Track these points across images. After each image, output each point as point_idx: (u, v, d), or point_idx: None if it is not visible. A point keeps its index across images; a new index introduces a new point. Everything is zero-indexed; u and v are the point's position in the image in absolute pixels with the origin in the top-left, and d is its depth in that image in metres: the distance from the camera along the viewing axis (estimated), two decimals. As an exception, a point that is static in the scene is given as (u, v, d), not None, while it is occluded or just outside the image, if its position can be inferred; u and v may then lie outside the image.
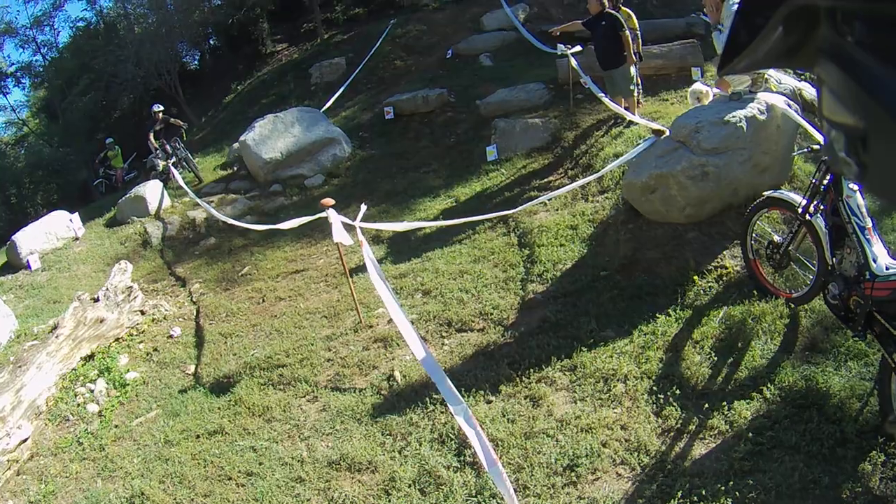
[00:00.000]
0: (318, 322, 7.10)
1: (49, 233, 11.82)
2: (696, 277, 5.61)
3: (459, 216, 8.24)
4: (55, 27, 30.00)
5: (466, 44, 17.38)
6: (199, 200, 11.49)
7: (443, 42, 18.51)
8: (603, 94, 9.37)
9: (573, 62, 10.42)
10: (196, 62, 33.46)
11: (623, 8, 9.77)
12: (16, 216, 24.41)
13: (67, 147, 27.46)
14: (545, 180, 8.98)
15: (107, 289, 8.25)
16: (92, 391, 6.66)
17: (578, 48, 10.83)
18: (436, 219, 8.64)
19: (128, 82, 24.44)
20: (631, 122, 9.14)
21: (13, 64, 29.95)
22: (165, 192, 12.98)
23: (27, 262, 11.02)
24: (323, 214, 6.55)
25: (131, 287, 8.51)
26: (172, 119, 15.04)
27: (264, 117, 13.86)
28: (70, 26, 30.51)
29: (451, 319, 6.18)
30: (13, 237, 11.58)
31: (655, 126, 7.62)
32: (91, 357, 7.23)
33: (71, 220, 12.20)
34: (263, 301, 8.23)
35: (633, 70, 9.33)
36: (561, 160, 9.50)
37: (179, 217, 12.15)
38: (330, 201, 6.45)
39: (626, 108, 9.23)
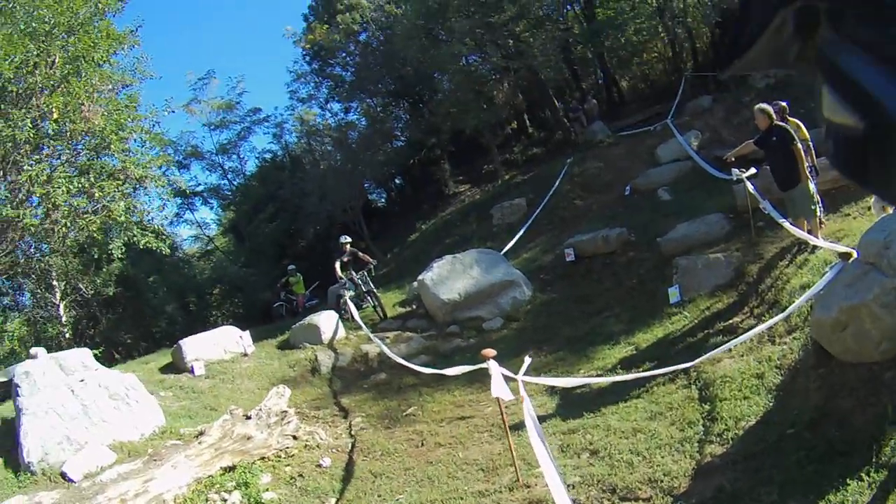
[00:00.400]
0: (474, 475, 7.04)
1: (217, 344, 12.29)
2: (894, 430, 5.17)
3: (638, 366, 8.24)
4: (241, 156, 33.18)
5: (643, 178, 17.53)
6: (371, 336, 11.98)
7: (620, 178, 18.79)
8: (783, 219, 9.02)
9: (749, 187, 10.21)
10: (382, 200, 35.87)
11: (790, 118, 9.52)
12: (192, 323, 25.32)
13: (252, 267, 29.02)
14: (730, 322, 8.70)
15: (260, 409, 8.67)
16: (225, 500, 6.83)
17: (753, 171, 10.58)
18: (613, 369, 8.63)
19: (313, 215, 26.28)
20: (815, 247, 8.68)
21: (199, 185, 32.69)
22: (341, 324, 13.43)
23: (191, 367, 11.42)
24: (484, 365, 6.61)
25: (286, 412, 8.83)
26: (361, 253, 15.35)
27: (443, 258, 14.45)
28: (256, 157, 33.91)
29: (616, 485, 5.95)
30: (181, 341, 12.06)
31: (841, 248, 7.20)
32: (232, 469, 7.38)
33: (241, 337, 12.73)
34: (422, 445, 8.23)
35: (812, 186, 8.92)
36: (746, 298, 9.18)
37: (352, 349, 12.47)
38: (491, 352, 6.50)
39: (808, 231, 8.79)
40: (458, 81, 24.88)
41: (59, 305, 19.37)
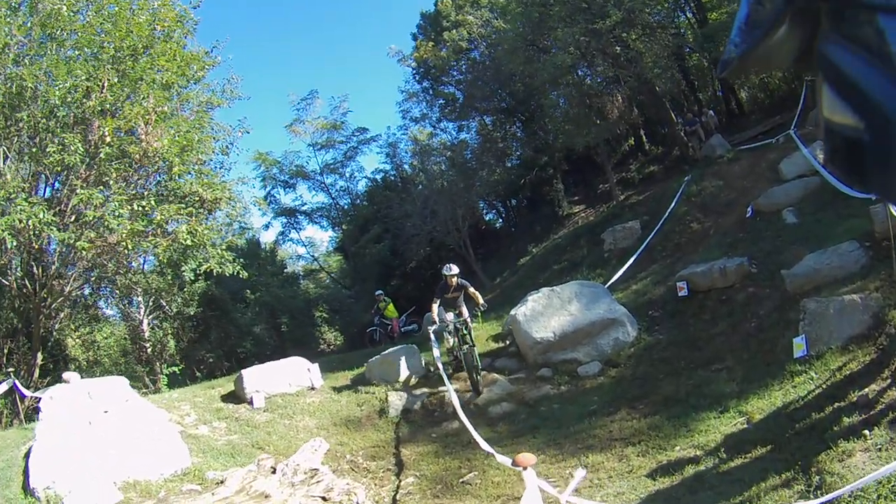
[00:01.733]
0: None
1: (283, 375, 11.61)
2: None
3: (748, 451, 6.54)
4: (350, 175, 33.52)
5: (766, 198, 15.33)
6: (448, 384, 10.47)
7: (741, 197, 16.72)
8: None
9: (892, 208, 8.16)
10: (499, 220, 34.93)
11: None
12: (283, 344, 25.74)
13: (358, 288, 29.05)
14: (866, 391, 6.79)
15: (287, 465, 7.83)
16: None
17: None
18: (716, 450, 6.88)
19: (415, 236, 25.60)
20: None
21: (304, 203, 33.39)
22: (422, 360, 12.46)
23: (251, 398, 10.84)
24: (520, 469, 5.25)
25: (317, 469, 7.91)
26: (472, 290, 11.93)
27: (540, 291, 13.11)
28: (367, 177, 34.21)
29: None
30: (243, 371, 11.45)
31: None
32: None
33: (309, 370, 11.97)
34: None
35: None
36: (888, 355, 7.17)
37: (429, 390, 11.43)
38: (528, 459, 5.11)
39: None
40: (567, 95, 23.59)
41: (142, 321, 19.62)
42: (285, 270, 33.64)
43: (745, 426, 7.28)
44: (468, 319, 11.51)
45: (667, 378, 9.96)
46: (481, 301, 12.01)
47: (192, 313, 22.10)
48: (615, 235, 18.97)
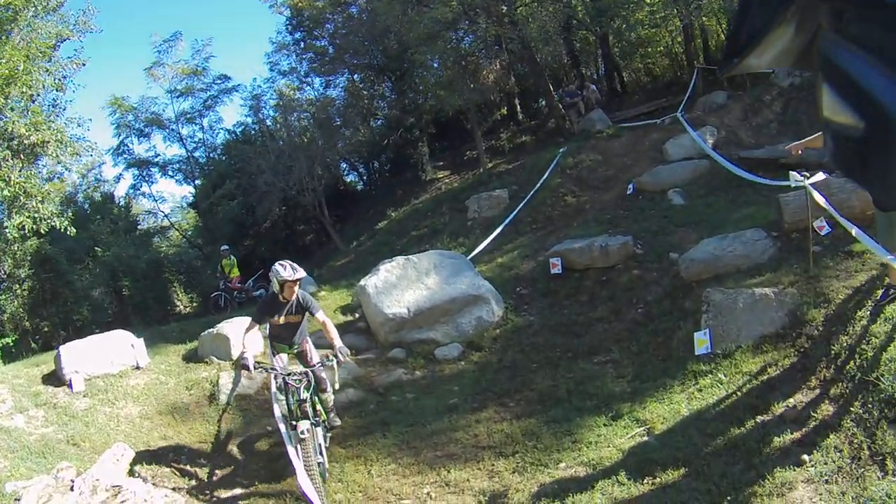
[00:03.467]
0: None
1: (105, 352, 9.67)
2: None
3: (654, 475, 5.15)
4: (209, 127, 31.79)
5: (651, 177, 14.58)
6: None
7: (621, 174, 15.99)
8: (875, 245, 5.95)
9: (818, 198, 7.15)
10: (360, 182, 34.07)
11: None
12: (125, 310, 24.16)
13: (209, 248, 27.64)
14: (791, 401, 5.61)
15: (84, 479, 6.15)
16: None
17: (821, 176, 7.67)
18: (613, 471, 5.43)
19: (267, 193, 24.27)
20: None
21: (158, 155, 31.45)
22: (259, 335, 10.34)
23: (70, 380, 9.03)
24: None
25: (120, 486, 6.17)
26: (322, 317, 6.99)
27: (394, 259, 11.58)
28: (225, 128, 32.50)
29: None
30: (61, 347, 9.66)
31: None
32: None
33: (133, 346, 10.01)
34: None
35: None
36: (811, 361, 6.09)
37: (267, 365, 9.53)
38: None
39: None
40: (442, 55, 22.18)
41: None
42: (138, 227, 31.17)
43: (646, 438, 5.87)
44: (320, 370, 6.85)
45: (542, 369, 8.53)
46: (337, 343, 6.64)
47: (23, 276, 18.91)
48: (480, 203, 17.74)
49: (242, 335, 7.13)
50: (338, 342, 6.65)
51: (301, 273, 6.81)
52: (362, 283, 11.20)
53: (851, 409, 4.95)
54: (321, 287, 14.45)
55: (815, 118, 11.04)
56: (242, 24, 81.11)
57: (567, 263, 11.36)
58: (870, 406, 4.82)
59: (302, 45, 29.98)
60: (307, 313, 7.02)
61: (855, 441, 4.63)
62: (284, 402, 6.70)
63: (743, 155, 13.93)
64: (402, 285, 10.72)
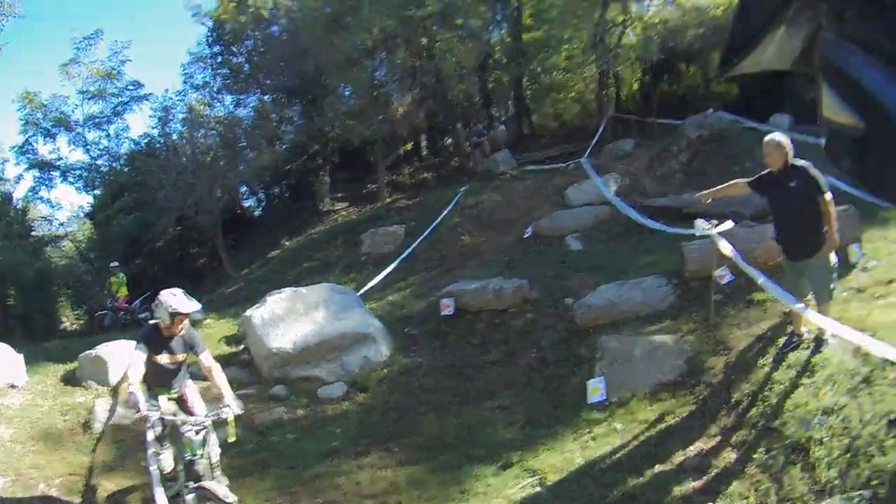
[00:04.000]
0: None
1: None
2: None
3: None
4: (115, 134, 30.22)
5: (550, 221, 14.64)
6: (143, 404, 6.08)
7: (521, 217, 16.00)
8: (783, 293, 6.08)
9: (725, 247, 7.21)
10: (259, 208, 33.47)
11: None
12: (7, 320, 22.47)
13: (100, 263, 26.07)
14: (691, 449, 5.51)
15: None
16: None
17: (729, 224, 7.84)
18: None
19: (164, 211, 23.48)
20: (820, 342, 5.89)
21: (60, 158, 29.62)
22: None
23: None
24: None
25: None
26: (206, 359, 6.28)
27: (282, 291, 11.07)
28: (131, 138, 30.89)
29: None
30: None
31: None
32: None
33: (12, 362, 9.34)
34: None
35: (833, 258, 6.12)
36: (711, 408, 6.07)
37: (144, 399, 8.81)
38: None
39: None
40: (356, 82, 22.07)
41: None
42: (32, 233, 28.90)
43: (538, 489, 5.57)
44: (206, 422, 5.78)
45: (429, 413, 8.16)
46: (228, 395, 5.90)
47: None
48: (375, 238, 17.45)
49: (129, 367, 5.95)
50: (229, 393, 5.87)
51: (196, 305, 6.06)
52: (248, 313, 10.65)
53: (755, 455, 4.90)
54: (208, 315, 13.78)
55: (721, 169, 11.50)
56: (165, 31, 78.50)
57: (460, 304, 11.09)
58: (775, 452, 4.74)
59: (219, 59, 29.47)
60: (186, 357, 6.21)
61: (761, 487, 4.56)
62: (165, 456, 5.84)
63: (646, 203, 14.21)
64: (289, 318, 10.23)
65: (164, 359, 5.99)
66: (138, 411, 5.48)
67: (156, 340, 5.94)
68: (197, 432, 5.44)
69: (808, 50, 0.90)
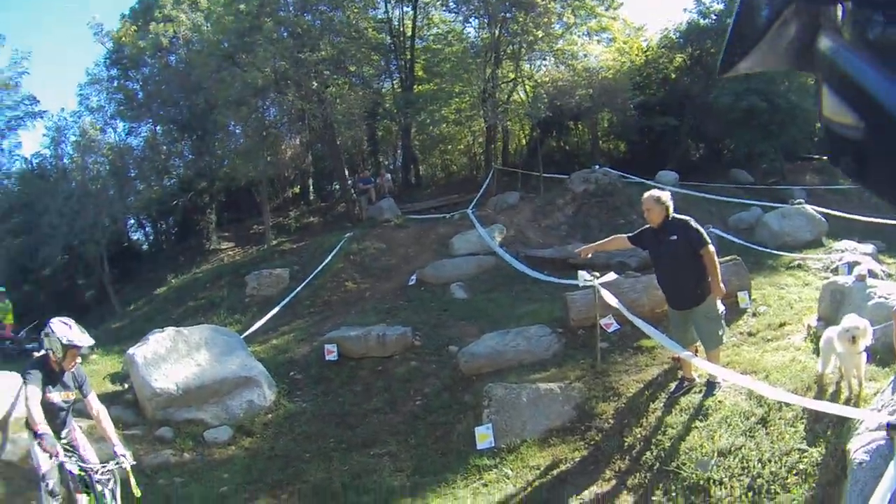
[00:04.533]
0: None
1: None
2: None
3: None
4: (5, 150, 28.74)
5: (434, 269, 14.72)
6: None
7: (404, 265, 16.07)
8: (670, 342, 6.29)
9: (609, 298, 7.38)
10: (146, 242, 32.15)
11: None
12: None
13: None
14: (586, 494, 5.50)
15: None
16: None
17: (612, 276, 7.98)
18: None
19: (48, 237, 22.25)
20: (712, 385, 6.13)
21: None
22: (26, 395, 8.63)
23: None
24: None
25: None
26: (93, 401, 6.00)
27: (164, 330, 10.42)
28: (22, 156, 29.44)
29: None
30: None
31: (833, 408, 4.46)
32: None
33: None
34: None
35: (720, 305, 6.36)
36: (603, 453, 6.10)
37: (27, 440, 7.99)
38: None
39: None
40: (246, 121, 21.63)
41: None
42: None
43: (430, 538, 5.44)
44: (115, 471, 5.19)
45: (315, 459, 7.77)
46: (118, 443, 5.49)
47: None
48: (260, 280, 17.03)
49: (29, 405, 5.13)
50: (118, 441, 5.27)
51: (90, 339, 5.53)
52: (131, 351, 9.98)
53: (653, 498, 4.90)
54: (93, 350, 12.85)
55: (606, 222, 11.83)
56: (65, 46, 74.05)
57: (343, 350, 10.87)
58: (673, 494, 4.78)
59: (115, 83, 28.30)
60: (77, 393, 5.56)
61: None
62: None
63: (530, 254, 14.55)
64: (171, 358, 9.63)
65: (56, 396, 5.34)
66: (54, 456, 4.82)
67: (49, 375, 5.33)
68: (108, 480, 4.88)
69: (808, 50, 0.86)
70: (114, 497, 4.83)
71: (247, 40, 19.68)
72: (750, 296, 8.54)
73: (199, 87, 22.92)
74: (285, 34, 19.98)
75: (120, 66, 28.02)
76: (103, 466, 4.92)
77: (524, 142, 27.83)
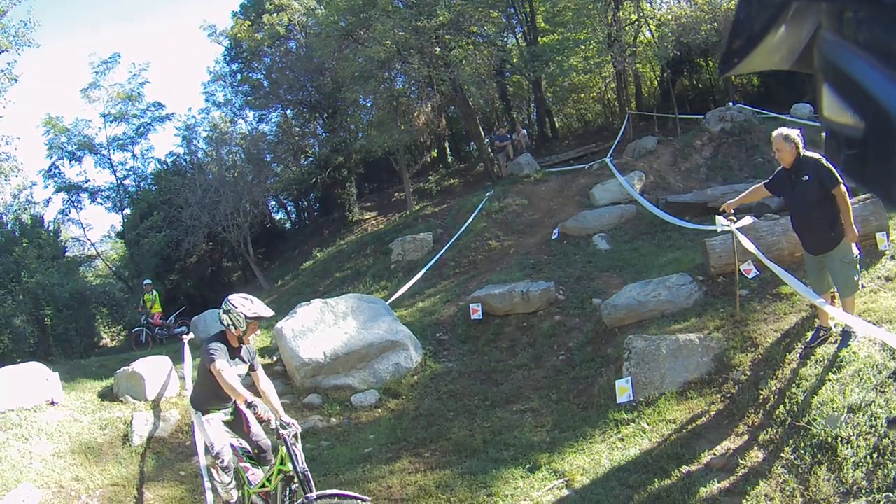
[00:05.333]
0: None
1: (18, 386, 8.98)
2: None
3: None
4: (141, 154, 31.07)
5: (576, 221, 14.53)
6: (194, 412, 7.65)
7: (547, 219, 15.94)
8: (805, 288, 5.99)
9: (747, 243, 7.05)
10: (289, 221, 34.32)
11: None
12: (46, 340, 22.73)
13: (135, 281, 26.47)
14: (718, 449, 5.40)
15: None
16: None
17: (748, 220, 7.60)
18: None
19: (192, 228, 23.91)
20: (847, 335, 5.74)
21: (88, 180, 30.44)
22: (174, 375, 9.73)
23: None
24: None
25: None
26: (261, 374, 6.07)
27: (311, 302, 11.05)
28: (156, 158, 31.80)
29: None
30: None
31: None
32: None
33: (48, 380, 9.27)
34: None
35: (855, 249, 5.89)
36: (738, 407, 5.94)
37: (181, 413, 8.87)
38: None
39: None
40: (375, 93, 22.07)
41: None
42: (66, 254, 29.27)
43: (565, 492, 5.50)
44: (296, 430, 5.12)
45: (458, 417, 8.09)
46: (281, 412, 5.37)
47: None
48: (404, 246, 17.52)
49: (229, 380, 5.14)
50: (284, 413, 5.34)
51: (268, 310, 5.67)
52: (279, 325, 10.68)
53: (782, 455, 4.76)
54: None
55: (744, 161, 11.27)
56: (183, 51, 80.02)
57: (488, 309, 11.09)
58: (801, 452, 4.62)
59: (238, 76, 29.99)
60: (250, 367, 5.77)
61: (786, 489, 4.43)
62: (255, 472, 5.43)
63: (670, 200, 14.06)
64: (319, 329, 10.24)
65: (235, 371, 5.44)
66: (266, 422, 4.97)
67: (228, 352, 5.44)
68: (296, 439, 5.01)
69: (808, 50, 0.88)
70: (297, 457, 4.96)
71: (363, 16, 20.10)
72: (888, 237, 7.85)
73: (323, 67, 23.81)
74: (401, 5, 20.19)
75: (241, 60, 29.48)
76: (294, 425, 5.08)
77: (656, 84, 26.75)
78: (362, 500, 4.89)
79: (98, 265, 33.18)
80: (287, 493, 5.09)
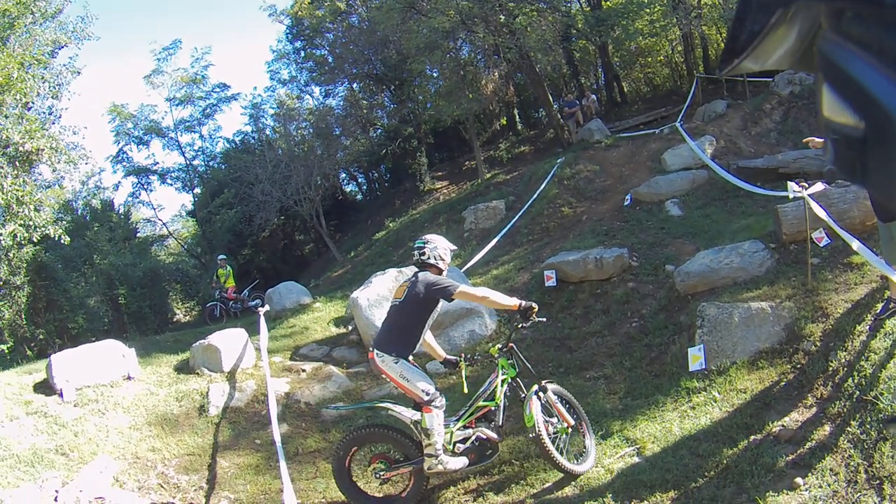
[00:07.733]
0: None
1: (96, 362, 9.42)
2: None
3: (643, 491, 4.97)
4: (208, 135, 31.98)
5: (648, 187, 14.36)
6: (268, 372, 8.69)
7: (619, 185, 15.77)
8: (876, 258, 5.87)
9: (818, 209, 6.89)
10: (359, 192, 34.58)
11: None
12: (121, 318, 23.74)
13: (207, 257, 27.62)
14: (786, 420, 5.41)
15: (68, 491, 6.23)
16: None
17: (820, 186, 7.39)
18: (600, 491, 5.23)
19: (263, 203, 24.26)
20: None
21: (156, 163, 31.45)
22: (250, 346, 10.22)
23: (60, 390, 8.83)
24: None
25: (103, 498, 6.22)
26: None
27: (386, 272, 11.41)
28: (224, 137, 33.17)
29: None
30: (52, 357, 9.41)
31: None
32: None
33: (124, 356, 9.71)
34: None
35: None
36: (808, 378, 5.89)
37: (257, 384, 9.25)
38: None
39: None
40: (441, 64, 21.96)
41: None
42: (137, 235, 30.81)
43: (636, 459, 5.65)
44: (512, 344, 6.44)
45: (531, 384, 8.30)
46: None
47: (18, 283, 18.81)
48: (477, 214, 17.68)
49: (490, 291, 6.12)
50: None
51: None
52: (354, 295, 11.00)
53: (849, 429, 4.74)
54: (316, 299, 14.26)
55: (814, 126, 10.92)
56: (244, 33, 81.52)
57: (562, 276, 11.13)
58: (867, 426, 4.61)
59: (302, 54, 30.27)
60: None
61: (851, 463, 4.43)
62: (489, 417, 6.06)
63: (741, 165, 13.72)
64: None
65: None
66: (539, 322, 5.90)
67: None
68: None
69: (808, 50, 0.90)
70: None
71: None
72: None
73: (387, 40, 23.78)
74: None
75: (303, 38, 29.64)
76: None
77: (723, 46, 26.02)
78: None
79: (170, 244, 34.41)
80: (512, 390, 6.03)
